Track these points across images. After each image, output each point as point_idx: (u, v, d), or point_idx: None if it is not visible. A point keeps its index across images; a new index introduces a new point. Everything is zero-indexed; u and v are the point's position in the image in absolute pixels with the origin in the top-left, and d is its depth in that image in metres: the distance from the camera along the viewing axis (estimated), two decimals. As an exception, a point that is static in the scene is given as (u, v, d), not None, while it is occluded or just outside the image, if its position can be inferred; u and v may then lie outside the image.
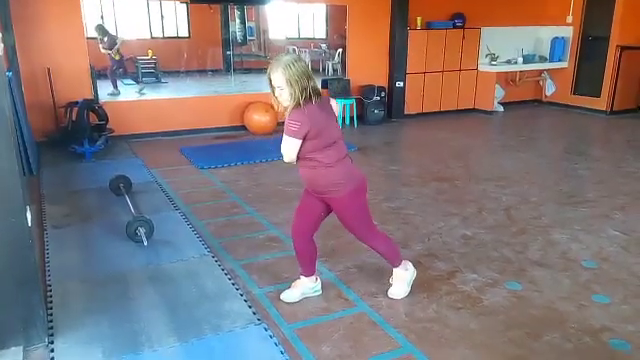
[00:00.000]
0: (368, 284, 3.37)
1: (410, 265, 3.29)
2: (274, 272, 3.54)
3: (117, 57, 9.23)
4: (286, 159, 2.84)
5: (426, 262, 3.70)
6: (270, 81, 2.75)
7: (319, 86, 2.87)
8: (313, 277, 3.22)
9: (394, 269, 3.25)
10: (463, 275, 3.51)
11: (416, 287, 3.33)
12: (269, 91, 2.83)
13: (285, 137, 2.76)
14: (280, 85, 2.71)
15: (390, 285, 3.28)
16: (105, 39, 9.20)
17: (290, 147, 2.76)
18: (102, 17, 10.79)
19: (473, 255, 3.81)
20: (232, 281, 3.40)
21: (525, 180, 5.58)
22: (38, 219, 4.39)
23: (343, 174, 2.87)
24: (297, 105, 2.70)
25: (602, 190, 5.26)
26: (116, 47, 9.19)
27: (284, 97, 2.73)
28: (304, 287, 3.21)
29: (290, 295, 3.19)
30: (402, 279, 3.24)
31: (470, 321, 2.99)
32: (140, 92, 9.14)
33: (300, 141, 2.74)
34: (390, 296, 3.22)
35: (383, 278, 3.43)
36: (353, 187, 2.91)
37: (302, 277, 3.21)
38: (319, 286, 3.26)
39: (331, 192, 2.89)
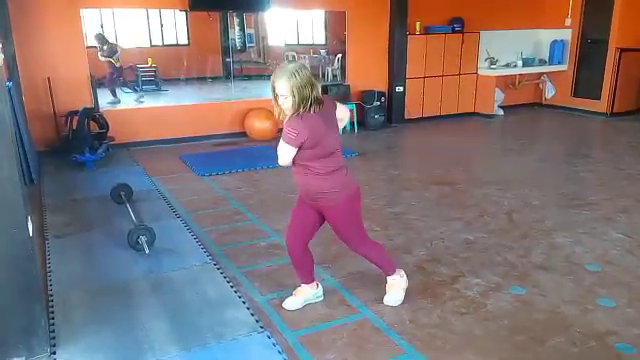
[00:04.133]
0: (371, 290, 3.35)
1: (403, 273, 3.25)
2: (276, 279, 3.52)
3: (118, 64, 9.24)
4: (280, 163, 2.84)
5: (429, 267, 3.68)
6: (273, 89, 2.73)
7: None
8: (314, 284, 3.21)
9: (388, 277, 3.22)
10: (466, 280, 3.50)
11: (420, 293, 3.32)
12: (269, 97, 2.82)
13: (282, 142, 2.75)
14: (284, 94, 2.69)
15: (386, 293, 3.24)
16: (105, 47, 9.22)
17: (285, 153, 2.77)
18: (102, 26, 10.84)
19: (476, 260, 3.80)
20: (234, 289, 3.39)
21: (526, 183, 5.57)
22: (39, 229, 4.38)
23: (337, 184, 2.85)
24: (297, 113, 2.69)
25: (604, 192, 5.25)
26: (117, 54, 9.21)
27: (287, 105, 2.71)
28: (306, 294, 3.19)
29: (292, 303, 3.17)
30: (397, 286, 3.21)
31: (474, 326, 2.97)
32: (138, 100, 9.14)
33: (296, 149, 2.74)
34: (386, 303, 3.19)
35: (386, 284, 3.42)
36: (346, 196, 2.89)
37: (303, 285, 3.20)
38: (321, 292, 3.24)
39: (324, 200, 2.87)
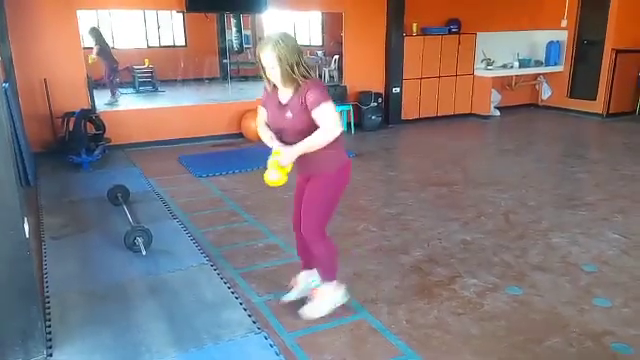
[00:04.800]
0: (368, 291, 3.36)
1: (343, 290, 3.06)
2: (274, 280, 3.52)
3: (90, 61, 8.91)
4: (338, 128, 2.64)
5: (426, 268, 3.69)
6: (260, 61, 2.64)
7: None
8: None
9: (321, 285, 3.01)
10: (463, 280, 3.50)
11: (417, 293, 3.32)
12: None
13: (325, 105, 2.58)
14: (271, 64, 2.60)
15: (309, 301, 3.04)
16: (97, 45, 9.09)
17: (334, 111, 2.63)
18: (98, 27, 10.80)
19: (473, 260, 3.80)
20: (231, 290, 3.39)
21: (523, 184, 5.58)
22: (36, 230, 4.37)
23: (339, 154, 2.82)
24: (304, 80, 2.62)
25: (600, 193, 5.27)
26: (94, 53, 8.96)
27: (276, 76, 2.63)
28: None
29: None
30: (327, 297, 3.00)
31: (471, 327, 2.98)
32: (111, 103, 8.89)
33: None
34: (302, 314, 2.99)
35: (383, 284, 3.43)
36: (343, 166, 2.85)
37: (302, 273, 3.15)
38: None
39: (322, 168, 2.78)
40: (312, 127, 2.66)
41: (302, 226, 2.91)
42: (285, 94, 2.74)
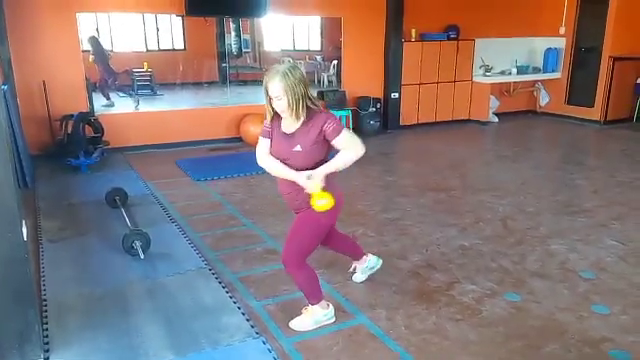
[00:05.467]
0: (366, 296, 3.36)
1: (332, 310, 3.05)
2: (272, 284, 3.51)
3: (91, 59, 8.94)
4: (362, 147, 2.77)
5: (425, 273, 3.69)
6: (266, 91, 2.69)
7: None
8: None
9: (309, 305, 3.02)
10: (462, 286, 3.50)
11: (415, 299, 3.32)
12: (264, 102, 2.79)
13: (345, 132, 2.73)
14: (278, 95, 2.64)
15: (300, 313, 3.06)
16: (98, 50, 9.11)
17: (354, 137, 2.76)
18: (97, 30, 10.80)
19: (471, 266, 3.80)
20: (230, 294, 3.38)
21: (521, 190, 5.59)
22: (33, 233, 4.35)
23: (333, 187, 2.82)
24: (310, 112, 2.70)
25: (598, 200, 5.28)
26: (92, 58, 9.01)
27: (283, 106, 2.67)
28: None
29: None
30: (313, 316, 3.01)
31: (469, 332, 2.98)
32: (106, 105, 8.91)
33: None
34: (290, 325, 3.01)
35: (381, 290, 3.42)
36: (336, 200, 2.82)
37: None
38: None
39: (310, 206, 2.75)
40: (321, 160, 2.77)
41: (284, 251, 2.94)
42: (289, 124, 2.76)
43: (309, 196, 2.73)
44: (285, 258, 2.93)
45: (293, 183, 2.76)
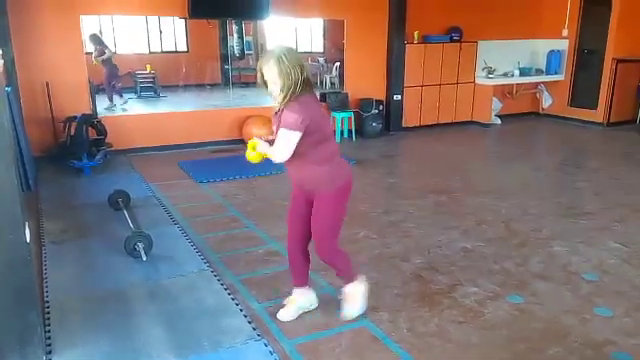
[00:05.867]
0: (368, 298, 3.32)
1: (363, 279, 3.13)
2: (274, 286, 3.51)
3: (95, 63, 9.03)
4: (281, 157, 2.68)
5: (427, 275, 3.68)
6: (262, 75, 2.65)
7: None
8: (305, 289, 3.14)
9: (347, 286, 3.09)
10: (464, 288, 3.50)
11: (417, 301, 3.32)
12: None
13: (284, 131, 2.60)
14: (273, 79, 2.61)
15: (345, 304, 3.10)
16: (98, 47, 9.14)
17: (290, 141, 2.61)
18: (100, 32, 10.84)
19: (474, 268, 3.80)
20: (232, 296, 3.38)
21: (524, 192, 5.58)
22: (36, 235, 4.36)
23: (333, 170, 2.82)
24: (294, 97, 2.61)
25: (601, 202, 5.26)
26: (104, 56, 9.08)
27: (277, 91, 2.64)
28: (298, 302, 3.14)
29: (286, 314, 3.12)
30: (358, 293, 3.09)
31: (472, 335, 2.97)
32: (122, 107, 8.97)
33: (300, 135, 2.60)
34: (346, 317, 3.07)
35: (384, 292, 3.42)
36: (342, 184, 2.85)
37: (294, 291, 3.14)
38: (314, 298, 3.18)
39: (319, 187, 2.81)
40: (301, 148, 2.72)
41: (316, 248, 2.97)
42: (277, 104, 2.75)
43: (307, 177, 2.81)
44: (320, 254, 2.97)
45: (302, 166, 2.77)
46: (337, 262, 3.04)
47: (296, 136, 2.61)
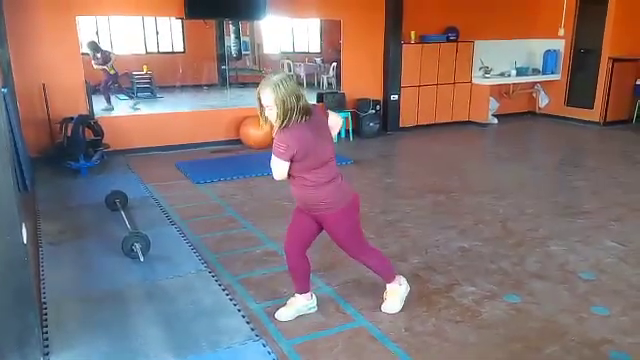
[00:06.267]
0: (366, 298, 3.35)
1: (404, 280, 3.26)
2: (271, 287, 3.51)
3: (112, 72, 9.23)
4: (276, 178, 2.83)
5: (424, 275, 3.69)
6: (259, 100, 2.74)
7: (310, 103, 2.82)
8: (308, 294, 3.18)
9: (388, 285, 3.22)
10: (461, 288, 3.50)
11: (415, 301, 3.32)
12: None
13: (273, 157, 2.75)
14: (269, 105, 2.69)
15: (384, 300, 3.24)
16: (99, 55, 9.20)
17: (278, 167, 2.76)
18: (97, 33, 10.82)
19: (471, 268, 3.80)
20: (229, 296, 3.38)
21: (521, 192, 5.59)
22: (33, 236, 4.35)
23: (333, 193, 2.85)
24: (285, 126, 2.68)
25: (598, 201, 5.28)
26: (111, 62, 9.21)
27: (273, 116, 2.71)
28: (298, 305, 3.16)
29: (284, 314, 3.13)
30: (396, 294, 3.21)
31: (469, 335, 2.98)
32: (134, 107, 9.13)
33: (288, 163, 2.73)
34: (383, 311, 3.19)
35: (381, 292, 3.42)
36: (345, 205, 2.90)
37: (297, 295, 3.17)
38: (314, 303, 3.21)
39: (322, 210, 2.87)
40: (293, 172, 2.81)
41: (351, 256, 3.16)
42: (274, 129, 2.80)
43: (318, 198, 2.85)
44: (354, 256, 3.14)
45: (303, 187, 2.83)
46: (369, 263, 3.17)
47: (283, 163, 2.74)
